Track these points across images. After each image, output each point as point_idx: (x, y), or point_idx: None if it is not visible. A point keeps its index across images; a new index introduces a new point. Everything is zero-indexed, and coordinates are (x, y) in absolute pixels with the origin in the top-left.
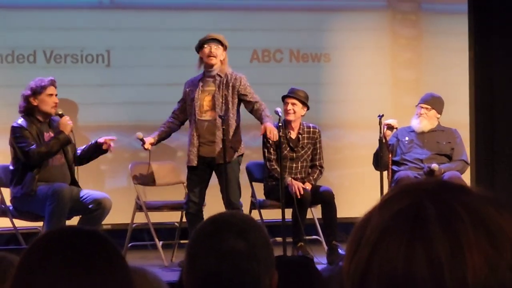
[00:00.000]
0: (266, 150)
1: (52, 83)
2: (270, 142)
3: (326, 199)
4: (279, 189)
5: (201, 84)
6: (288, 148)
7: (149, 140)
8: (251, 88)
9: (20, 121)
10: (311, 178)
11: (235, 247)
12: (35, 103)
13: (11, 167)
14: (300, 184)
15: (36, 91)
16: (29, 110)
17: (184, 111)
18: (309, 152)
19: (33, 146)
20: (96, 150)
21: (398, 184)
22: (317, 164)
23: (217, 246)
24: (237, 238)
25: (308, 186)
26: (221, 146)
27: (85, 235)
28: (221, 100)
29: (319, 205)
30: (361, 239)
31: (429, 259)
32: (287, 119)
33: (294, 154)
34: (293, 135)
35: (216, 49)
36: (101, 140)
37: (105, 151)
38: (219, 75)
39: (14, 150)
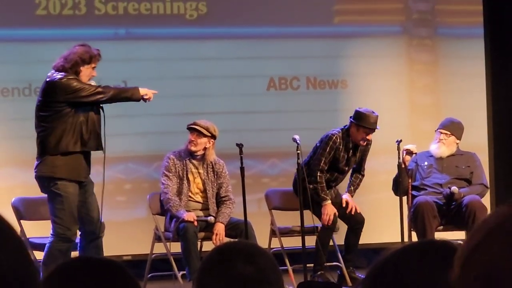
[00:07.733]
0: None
1: (100, 54)
2: None
3: (358, 222)
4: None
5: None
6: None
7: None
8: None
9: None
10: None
11: (244, 272)
12: (79, 70)
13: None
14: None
15: (85, 61)
16: (75, 69)
17: None
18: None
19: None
20: None
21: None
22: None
23: (227, 273)
24: (246, 263)
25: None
26: None
27: (103, 265)
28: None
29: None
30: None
31: None
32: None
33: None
34: None
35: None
36: None
37: None
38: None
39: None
